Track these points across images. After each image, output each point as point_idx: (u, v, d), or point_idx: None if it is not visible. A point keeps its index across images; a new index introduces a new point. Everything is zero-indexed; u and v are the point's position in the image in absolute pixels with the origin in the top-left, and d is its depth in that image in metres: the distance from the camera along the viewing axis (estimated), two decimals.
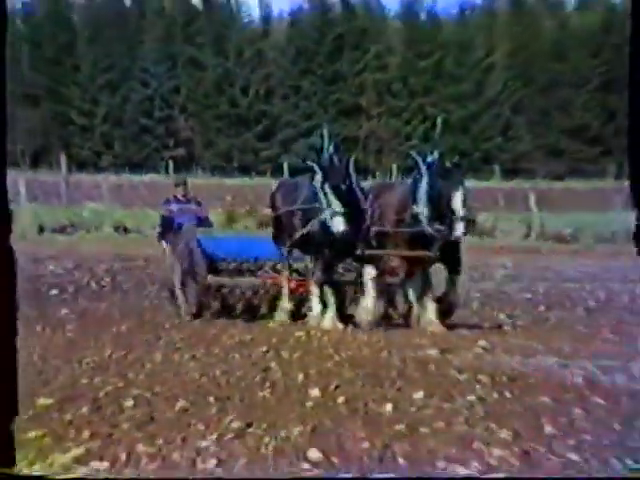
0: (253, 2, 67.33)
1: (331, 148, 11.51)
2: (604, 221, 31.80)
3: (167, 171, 43.05)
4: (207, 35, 63.33)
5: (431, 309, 11.12)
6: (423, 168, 11.03)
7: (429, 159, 11.13)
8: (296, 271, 12.19)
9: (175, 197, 13.28)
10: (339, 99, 62.28)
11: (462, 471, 4.86)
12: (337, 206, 10.76)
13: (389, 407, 6.35)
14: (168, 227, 13.01)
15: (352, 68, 62.79)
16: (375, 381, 7.43)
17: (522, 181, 50.07)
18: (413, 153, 11.50)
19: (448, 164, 11.14)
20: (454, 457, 5.12)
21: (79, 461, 5.05)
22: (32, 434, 5.69)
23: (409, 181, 11.42)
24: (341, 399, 6.62)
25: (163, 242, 13.10)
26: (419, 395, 6.75)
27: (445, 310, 11.34)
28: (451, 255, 11.22)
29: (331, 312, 11.31)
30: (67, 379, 7.45)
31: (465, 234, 10.74)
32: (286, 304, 11.86)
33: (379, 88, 62.46)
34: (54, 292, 14.59)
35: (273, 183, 30.81)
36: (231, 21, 65.32)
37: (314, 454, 5.09)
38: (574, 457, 5.29)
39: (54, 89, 60.29)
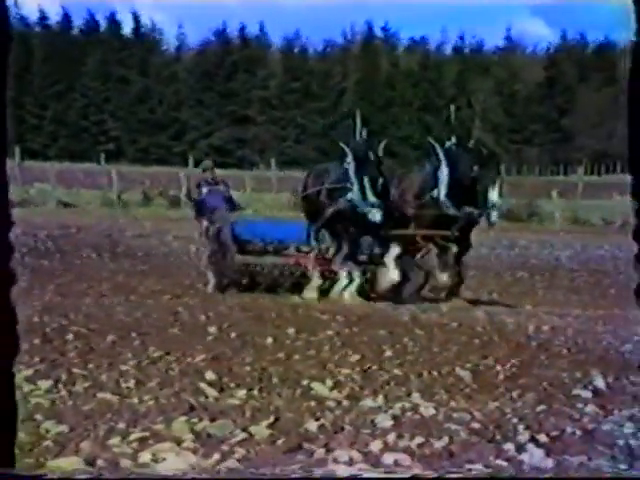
0: (170, 34, 66.29)
1: (363, 132, 9.65)
2: None
3: (99, 161, 41.97)
4: (134, 59, 62.34)
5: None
6: (441, 154, 9.12)
7: (447, 145, 9.26)
8: (319, 252, 9.83)
9: (205, 180, 10.85)
10: (233, 110, 62.20)
11: (321, 388, 4.78)
12: (372, 197, 8.79)
13: (270, 340, 6.27)
14: (201, 209, 10.65)
15: (243, 87, 62.84)
16: (259, 321, 7.33)
17: None
18: (431, 140, 9.45)
19: (485, 151, 9.20)
20: (314, 376, 5.05)
21: (29, 380, 4.75)
22: None
23: (428, 167, 9.52)
24: (233, 334, 6.49)
25: (203, 222, 10.57)
26: (292, 331, 6.69)
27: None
28: (465, 236, 9.28)
29: (353, 287, 9.22)
30: (22, 318, 7.07)
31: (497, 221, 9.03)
32: (315, 282, 9.58)
33: (263, 102, 62.49)
34: None
35: (180, 172, 30.42)
36: (152, 49, 64.56)
37: (210, 375, 4.95)
38: (398, 372, 5.25)
39: (12, 97, 58.23)
